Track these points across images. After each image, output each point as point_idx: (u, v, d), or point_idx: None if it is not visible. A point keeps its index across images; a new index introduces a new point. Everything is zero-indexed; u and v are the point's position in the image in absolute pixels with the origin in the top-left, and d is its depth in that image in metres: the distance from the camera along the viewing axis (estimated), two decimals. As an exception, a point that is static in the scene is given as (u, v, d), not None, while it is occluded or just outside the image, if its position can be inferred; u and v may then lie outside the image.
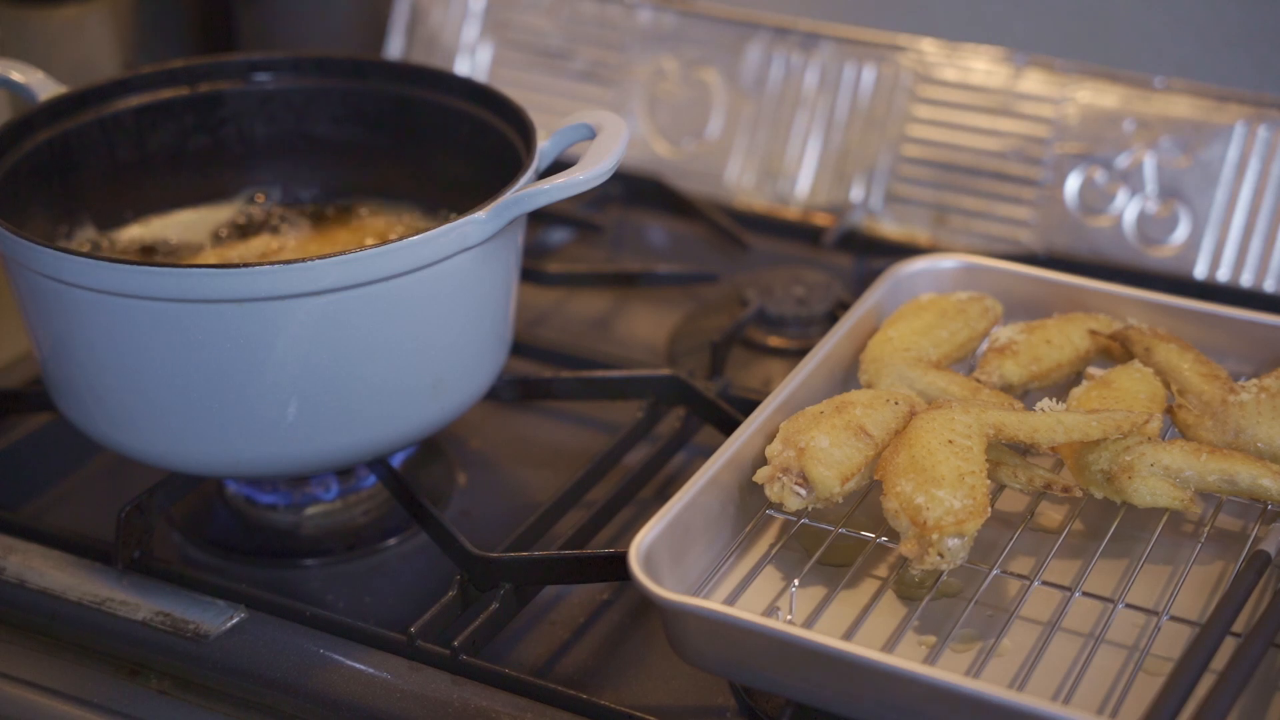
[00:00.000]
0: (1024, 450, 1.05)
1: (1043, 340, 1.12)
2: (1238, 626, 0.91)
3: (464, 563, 1.04)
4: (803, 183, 1.52)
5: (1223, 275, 1.36)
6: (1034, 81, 1.44)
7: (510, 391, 1.23)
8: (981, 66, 1.47)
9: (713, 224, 1.50)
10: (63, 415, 1.12)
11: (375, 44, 1.68)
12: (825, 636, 0.89)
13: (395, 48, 1.66)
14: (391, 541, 1.15)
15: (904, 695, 0.85)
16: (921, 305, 1.16)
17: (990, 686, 0.84)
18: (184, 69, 1.25)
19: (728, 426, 1.11)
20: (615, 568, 1.00)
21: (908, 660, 0.86)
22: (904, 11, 1.53)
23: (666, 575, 0.93)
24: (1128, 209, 1.39)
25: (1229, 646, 0.92)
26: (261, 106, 1.27)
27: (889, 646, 0.93)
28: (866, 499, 1.02)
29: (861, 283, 1.32)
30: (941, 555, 0.93)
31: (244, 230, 1.25)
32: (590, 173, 1.04)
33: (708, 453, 1.01)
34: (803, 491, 0.98)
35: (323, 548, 1.15)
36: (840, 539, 1.00)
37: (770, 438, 1.02)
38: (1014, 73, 1.46)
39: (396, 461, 1.17)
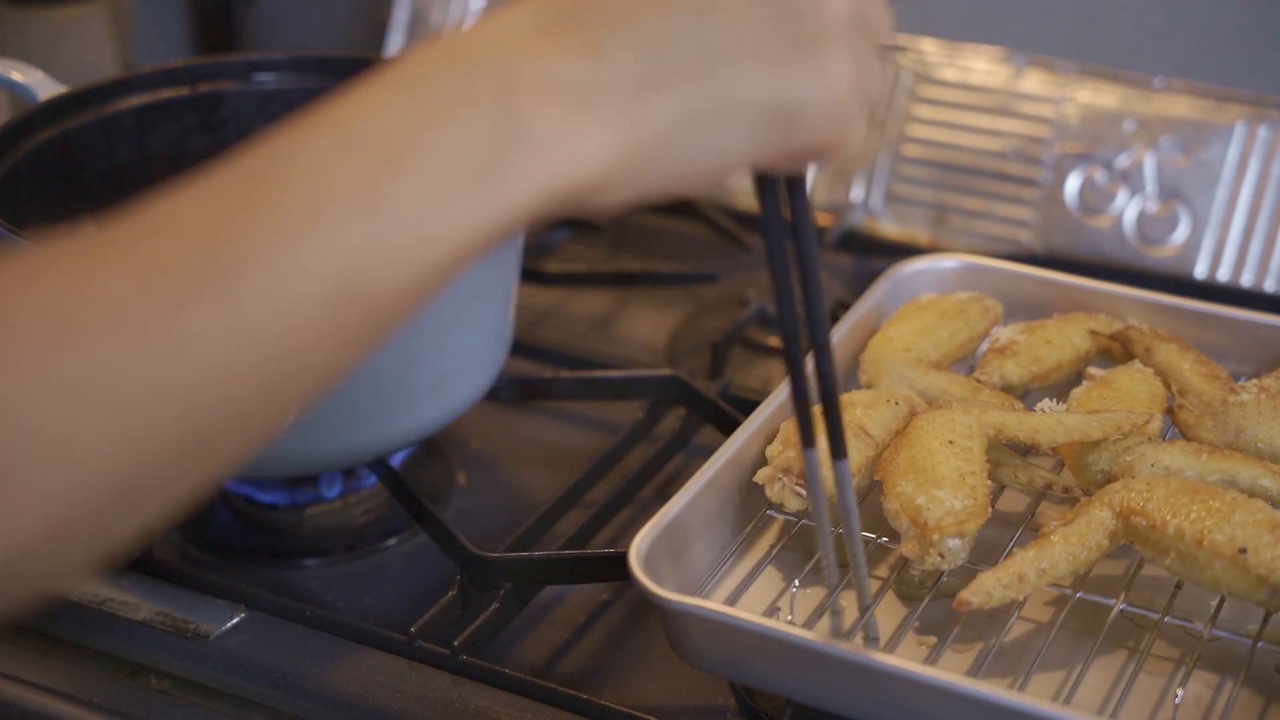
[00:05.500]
0: (1024, 451, 1.05)
1: (1043, 340, 1.12)
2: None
3: (464, 563, 1.04)
4: (803, 183, 1.51)
5: (1223, 275, 1.36)
6: (1034, 81, 1.44)
7: (510, 391, 1.23)
8: (981, 66, 1.47)
9: (713, 224, 1.50)
10: (63, 415, 1.12)
11: (375, 44, 1.68)
12: (826, 637, 0.89)
13: (395, 48, 1.66)
14: (391, 541, 1.15)
15: (904, 695, 0.85)
16: (921, 305, 1.15)
17: (990, 686, 0.84)
18: (184, 69, 1.25)
19: (728, 426, 1.11)
20: (615, 568, 1.00)
21: (908, 660, 0.86)
22: (904, 11, 1.52)
23: (666, 575, 0.92)
24: (1128, 209, 1.39)
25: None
26: (262, 106, 1.27)
27: (889, 647, 0.93)
28: (867, 499, 1.02)
29: (861, 283, 1.32)
30: (942, 556, 0.92)
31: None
32: (590, 173, 1.04)
33: (708, 453, 1.01)
34: (803, 492, 0.98)
35: (323, 548, 1.14)
36: (841, 539, 1.00)
37: (770, 438, 1.02)
38: (1014, 73, 1.45)
39: (396, 461, 1.17)
